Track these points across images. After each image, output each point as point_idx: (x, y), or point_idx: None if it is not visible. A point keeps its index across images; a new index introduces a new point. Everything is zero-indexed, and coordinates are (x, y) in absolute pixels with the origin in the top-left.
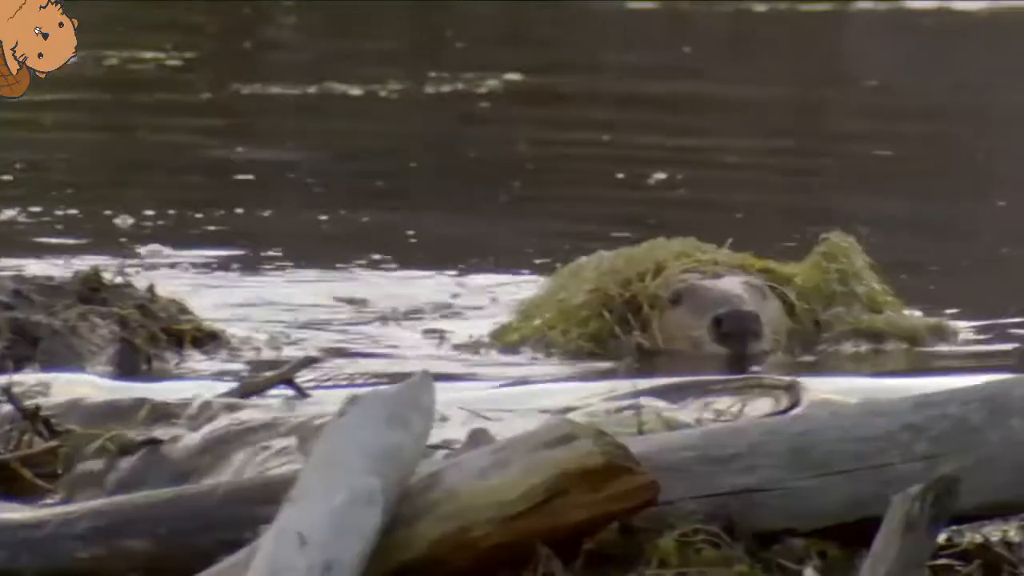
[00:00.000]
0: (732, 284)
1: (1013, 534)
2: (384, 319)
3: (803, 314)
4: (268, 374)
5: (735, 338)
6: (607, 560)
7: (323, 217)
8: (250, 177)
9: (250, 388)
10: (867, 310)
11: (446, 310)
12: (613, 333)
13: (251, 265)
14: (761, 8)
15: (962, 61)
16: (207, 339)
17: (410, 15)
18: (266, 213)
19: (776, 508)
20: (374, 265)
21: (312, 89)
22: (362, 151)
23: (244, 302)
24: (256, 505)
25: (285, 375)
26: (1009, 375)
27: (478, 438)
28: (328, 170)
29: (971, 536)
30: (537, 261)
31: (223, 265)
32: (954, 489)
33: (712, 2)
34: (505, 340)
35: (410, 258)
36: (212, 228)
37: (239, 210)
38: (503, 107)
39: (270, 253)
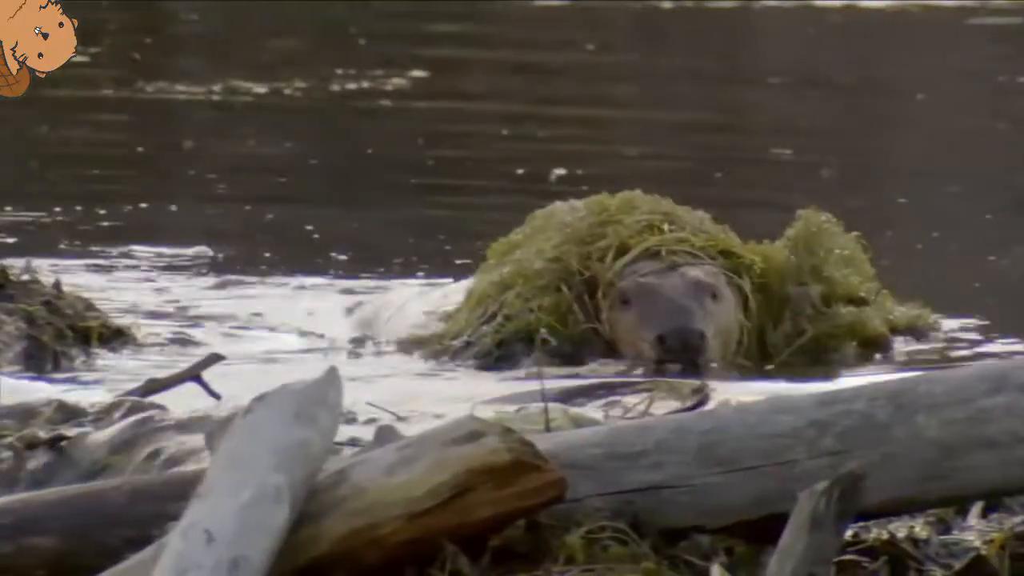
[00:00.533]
0: (684, 288)
1: (919, 530)
2: (286, 318)
3: (760, 310)
4: (175, 371)
5: (678, 354)
6: (514, 557)
7: (226, 215)
8: (153, 175)
9: (157, 385)
10: (835, 301)
11: (349, 308)
12: (571, 309)
13: (154, 262)
14: (668, 5)
15: (867, 57)
16: (114, 336)
17: (314, 12)
18: (170, 209)
19: (683, 505)
20: (276, 263)
21: (216, 87)
22: (266, 150)
23: (148, 299)
24: (163, 502)
25: (192, 372)
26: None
27: (385, 435)
28: (231, 168)
29: (878, 532)
30: (440, 260)
31: (127, 262)
32: (860, 485)
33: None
34: (461, 301)
35: (310, 256)
36: (116, 224)
37: (143, 205)
38: (408, 105)
39: (171, 250)
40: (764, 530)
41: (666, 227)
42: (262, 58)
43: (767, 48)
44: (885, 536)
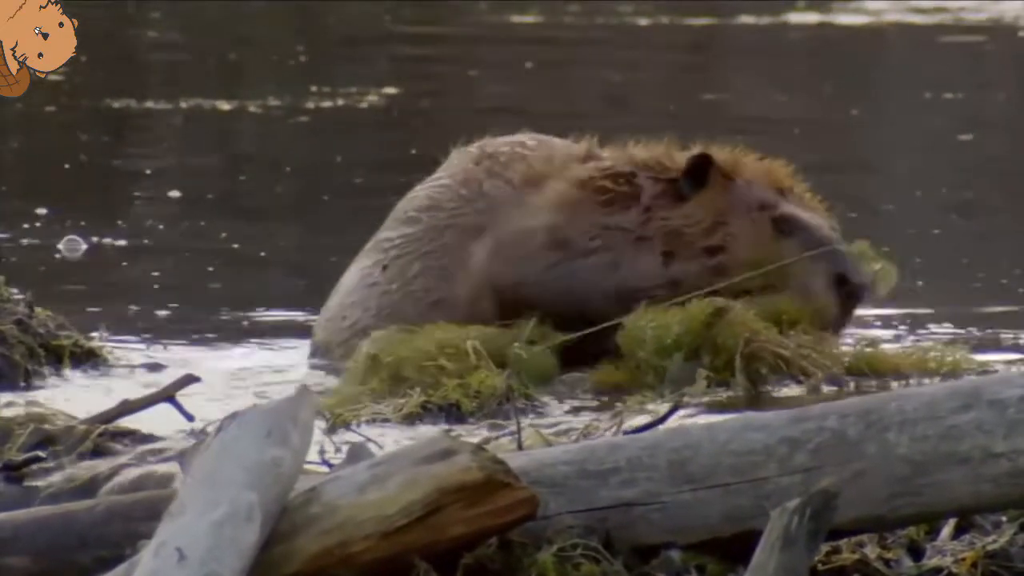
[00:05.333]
0: (829, 228)
1: (890, 550)
2: (257, 338)
3: None
4: (149, 392)
5: (855, 301)
6: (486, 575)
7: (186, 232)
8: (124, 192)
9: (132, 406)
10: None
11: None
12: None
13: (124, 280)
14: (644, 22)
15: (839, 73)
16: (86, 356)
17: (287, 28)
18: (139, 226)
19: (654, 522)
20: (244, 285)
21: (185, 104)
22: (235, 167)
23: (118, 318)
24: (135, 521)
25: (166, 393)
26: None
27: (357, 453)
28: (196, 186)
29: (849, 551)
30: None
31: (93, 277)
32: (832, 503)
33: (593, 16)
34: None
35: (277, 276)
36: (93, 238)
37: (118, 222)
38: (381, 123)
39: (135, 267)
40: (736, 547)
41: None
42: (239, 74)
43: (739, 63)
44: (856, 555)
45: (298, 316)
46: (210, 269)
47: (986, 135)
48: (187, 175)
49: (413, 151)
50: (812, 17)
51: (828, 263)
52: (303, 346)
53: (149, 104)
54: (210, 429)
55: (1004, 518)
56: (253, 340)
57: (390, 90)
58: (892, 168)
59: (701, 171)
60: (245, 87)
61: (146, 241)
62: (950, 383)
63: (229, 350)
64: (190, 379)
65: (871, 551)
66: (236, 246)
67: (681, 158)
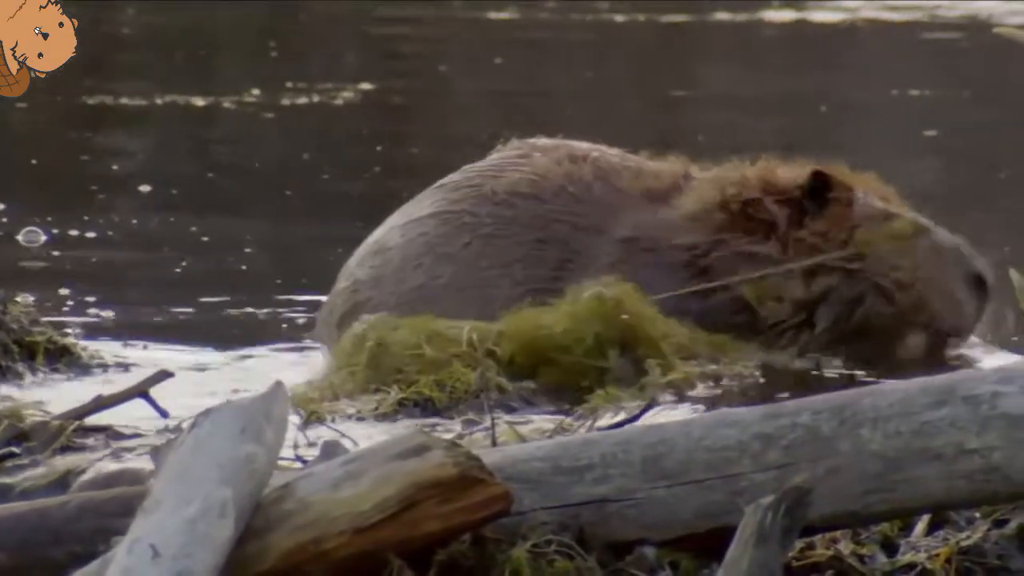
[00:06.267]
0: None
1: (864, 545)
2: (230, 333)
3: None
4: (124, 388)
5: (982, 301)
6: (460, 571)
7: (164, 227)
8: (95, 187)
9: (105, 402)
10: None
11: (292, 327)
12: None
13: (95, 276)
14: (620, 19)
15: (811, 70)
16: (60, 352)
17: (261, 24)
18: (110, 222)
19: (628, 518)
20: (217, 277)
21: (159, 100)
22: (212, 163)
23: (91, 315)
24: (109, 517)
25: (140, 388)
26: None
27: (331, 449)
28: (173, 182)
29: (823, 548)
30: None
31: (70, 275)
32: (806, 499)
33: (569, 13)
34: None
35: (251, 271)
36: (63, 233)
37: (85, 217)
38: (354, 118)
39: (105, 262)
40: (710, 544)
41: None
42: (214, 71)
43: (714, 59)
44: (831, 551)
45: (271, 310)
46: (182, 264)
47: (951, 132)
48: (158, 171)
49: (379, 147)
50: (788, 15)
51: (963, 263)
52: (277, 341)
53: (124, 100)
54: (184, 425)
55: (978, 514)
56: (226, 335)
57: (366, 86)
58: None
59: (822, 189)
60: (220, 83)
61: (115, 235)
62: (924, 379)
63: (202, 346)
64: (163, 375)
65: (845, 547)
66: (206, 239)
67: (784, 177)
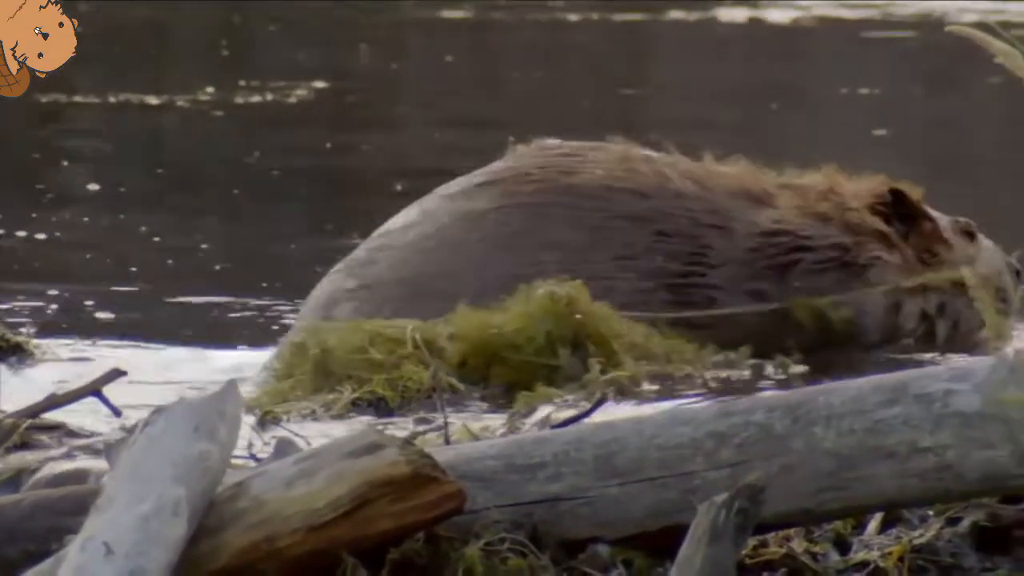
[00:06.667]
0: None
1: (817, 543)
2: (183, 332)
3: None
4: (77, 386)
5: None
6: (413, 569)
7: (106, 225)
8: (43, 186)
9: (58, 400)
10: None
11: (244, 325)
12: None
13: (47, 274)
14: (574, 18)
15: (763, 68)
16: (13, 350)
17: (212, 23)
18: (61, 220)
19: (581, 516)
20: (171, 276)
21: (113, 99)
22: (164, 161)
23: (44, 313)
24: (62, 515)
25: (93, 387)
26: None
27: (284, 447)
28: (124, 181)
29: (776, 545)
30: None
31: (21, 273)
32: (760, 497)
33: (523, 12)
34: None
35: (203, 269)
36: (13, 231)
37: (34, 215)
38: (310, 117)
39: (58, 260)
40: (663, 542)
41: None
42: (167, 69)
43: (665, 57)
44: (784, 549)
45: (223, 309)
46: (134, 262)
47: (901, 130)
48: (109, 169)
49: (328, 144)
50: (741, 13)
51: (1005, 258)
52: (229, 339)
53: (77, 99)
54: (137, 423)
55: (931, 512)
56: (178, 333)
57: (319, 84)
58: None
59: (904, 205)
60: (173, 82)
61: (66, 234)
62: (877, 377)
63: (155, 344)
64: (117, 373)
65: (798, 545)
66: (157, 239)
67: (850, 192)
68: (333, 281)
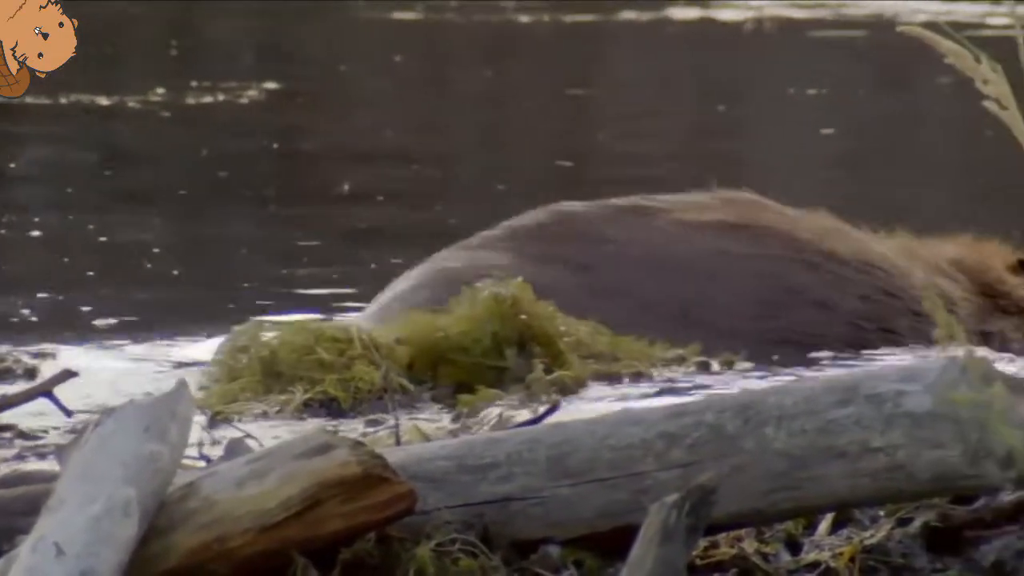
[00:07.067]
0: None
1: (769, 544)
2: (129, 334)
3: None
4: (27, 387)
5: None
6: (364, 570)
7: (54, 225)
8: None
9: (8, 401)
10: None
11: (193, 324)
12: None
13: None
14: (526, 19)
15: (711, 68)
16: None
17: (161, 23)
18: (9, 221)
19: (533, 517)
20: (117, 279)
21: (64, 99)
22: (112, 162)
23: None
24: (14, 516)
25: (44, 388)
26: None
27: (235, 448)
28: (72, 181)
29: (727, 546)
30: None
31: None
32: (711, 498)
33: (473, 14)
34: None
35: (147, 271)
36: None
37: None
38: (260, 118)
39: (10, 261)
40: (614, 543)
41: None
42: (118, 69)
43: (617, 58)
44: (735, 550)
45: (172, 308)
46: (82, 263)
47: (846, 130)
48: (57, 170)
49: (275, 145)
50: (693, 12)
51: None
52: (179, 338)
53: (28, 99)
54: (88, 424)
55: (882, 512)
56: (128, 333)
57: (271, 85)
58: (754, 163)
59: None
60: (124, 82)
61: (13, 234)
62: (829, 377)
63: (106, 344)
64: (68, 374)
65: (749, 545)
66: (103, 239)
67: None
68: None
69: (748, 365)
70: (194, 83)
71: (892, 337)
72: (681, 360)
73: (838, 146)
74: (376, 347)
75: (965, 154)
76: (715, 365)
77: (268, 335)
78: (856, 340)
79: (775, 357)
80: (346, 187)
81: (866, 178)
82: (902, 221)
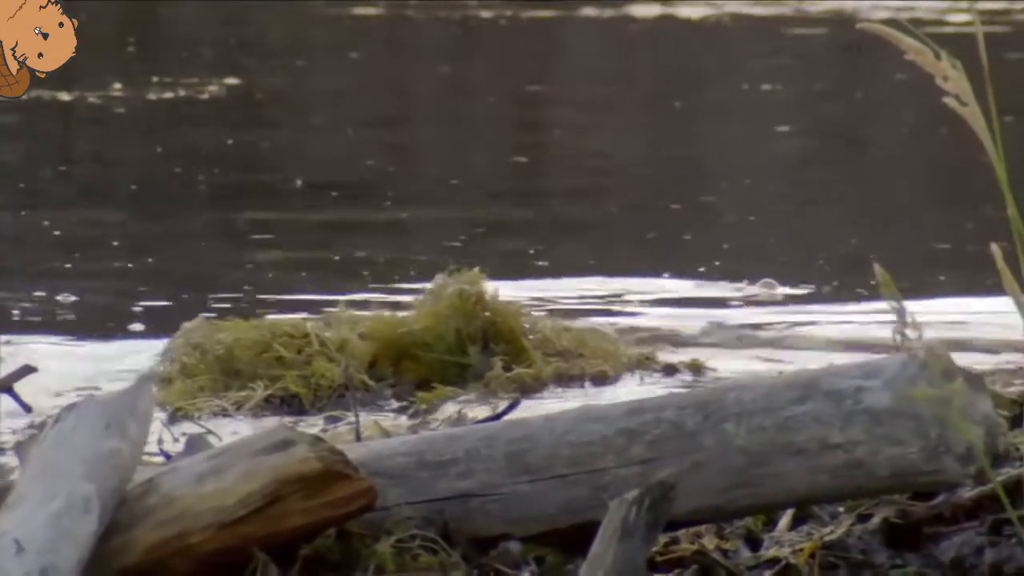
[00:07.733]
0: None
1: (729, 540)
2: (89, 330)
3: None
4: None
5: None
6: (324, 566)
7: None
8: None
9: None
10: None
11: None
12: None
13: None
14: (487, 15)
15: (669, 66)
16: None
17: (117, 20)
18: None
19: (493, 513)
20: (75, 275)
21: (24, 96)
22: (69, 158)
23: None
24: None
25: (4, 384)
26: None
27: (195, 444)
28: (28, 177)
29: (688, 542)
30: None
31: None
32: (670, 494)
33: (436, 10)
34: None
35: (103, 267)
36: None
37: None
38: (221, 113)
39: None
40: (574, 539)
41: None
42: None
43: (578, 54)
44: (695, 546)
45: (129, 304)
46: (39, 258)
47: (801, 127)
48: (15, 165)
49: (229, 141)
50: (654, 9)
51: None
52: (139, 335)
53: None
54: (48, 420)
55: (841, 509)
56: (87, 330)
57: (232, 80)
58: (710, 160)
59: None
60: (83, 78)
61: None
62: (789, 374)
63: (65, 340)
64: (27, 370)
65: (709, 542)
66: (58, 233)
67: None
68: None
69: (712, 365)
70: (154, 78)
71: None
72: (645, 359)
73: (792, 144)
74: (336, 344)
75: (920, 152)
76: (679, 365)
77: (221, 333)
78: None
79: None
80: (303, 182)
81: (818, 176)
82: (854, 221)
